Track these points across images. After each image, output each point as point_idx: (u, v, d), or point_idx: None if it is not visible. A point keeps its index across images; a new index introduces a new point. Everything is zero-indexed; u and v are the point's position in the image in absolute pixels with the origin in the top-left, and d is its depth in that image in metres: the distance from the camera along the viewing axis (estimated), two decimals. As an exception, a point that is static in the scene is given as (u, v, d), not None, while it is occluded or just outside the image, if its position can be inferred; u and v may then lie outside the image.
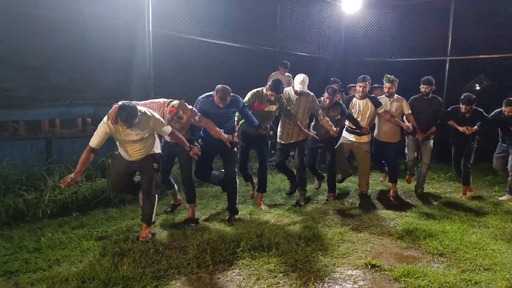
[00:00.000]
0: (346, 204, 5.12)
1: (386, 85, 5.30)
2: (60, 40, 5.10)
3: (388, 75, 5.31)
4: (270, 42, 8.05)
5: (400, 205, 5.13)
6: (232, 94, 4.20)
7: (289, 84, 6.03)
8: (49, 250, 3.37)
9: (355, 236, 3.97)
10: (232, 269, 3.19)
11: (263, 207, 4.87)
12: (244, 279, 3.05)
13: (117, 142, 3.74)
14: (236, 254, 3.41)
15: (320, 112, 5.00)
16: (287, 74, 7.48)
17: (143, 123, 3.56)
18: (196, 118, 4.03)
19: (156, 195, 3.81)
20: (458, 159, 5.57)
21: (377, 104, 5.22)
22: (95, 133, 3.49)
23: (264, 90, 4.63)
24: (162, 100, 3.93)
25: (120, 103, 3.39)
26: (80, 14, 5.19)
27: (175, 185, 4.62)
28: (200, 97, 4.32)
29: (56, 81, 5.08)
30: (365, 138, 5.31)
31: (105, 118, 3.49)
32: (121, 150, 3.79)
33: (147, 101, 3.95)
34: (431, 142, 5.51)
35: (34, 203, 4.17)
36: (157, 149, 3.89)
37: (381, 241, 3.87)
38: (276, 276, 3.09)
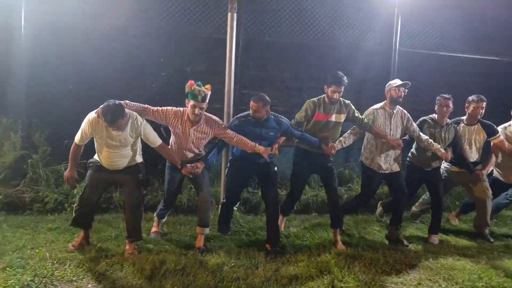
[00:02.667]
0: None
1: None
2: (312, 62, 6.00)
3: None
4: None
5: None
6: (276, 114, 3.72)
7: None
8: (296, 239, 4.04)
9: None
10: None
11: (338, 246, 3.86)
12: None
13: (96, 146, 3.38)
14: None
15: (418, 132, 4.05)
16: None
17: (131, 128, 3.26)
18: (225, 133, 3.55)
19: (142, 208, 3.51)
20: None
21: (491, 131, 4.21)
22: (79, 129, 3.28)
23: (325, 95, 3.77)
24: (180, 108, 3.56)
25: (106, 102, 3.11)
26: (333, 39, 5.96)
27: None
28: (236, 117, 3.80)
29: (307, 98, 5.96)
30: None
31: (89, 115, 3.23)
32: (100, 157, 3.38)
33: (161, 108, 3.52)
34: None
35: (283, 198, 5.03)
36: (140, 157, 3.52)
37: None
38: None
